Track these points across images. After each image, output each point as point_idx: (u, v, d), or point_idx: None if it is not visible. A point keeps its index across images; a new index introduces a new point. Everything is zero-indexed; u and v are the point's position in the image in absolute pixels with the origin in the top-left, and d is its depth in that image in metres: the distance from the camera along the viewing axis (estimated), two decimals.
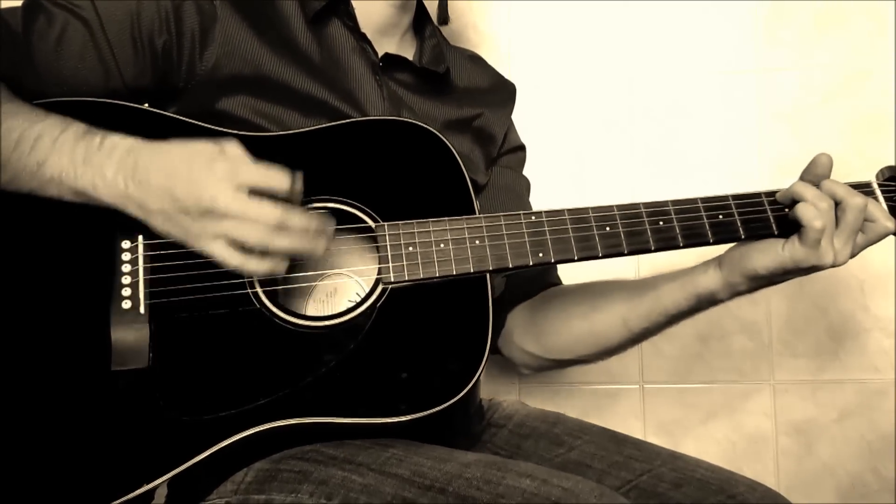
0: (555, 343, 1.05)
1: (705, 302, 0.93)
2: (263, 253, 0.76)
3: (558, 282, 1.13)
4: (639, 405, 1.46)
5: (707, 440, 1.44)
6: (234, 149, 0.77)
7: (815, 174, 0.88)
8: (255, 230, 0.74)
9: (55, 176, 0.77)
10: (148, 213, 0.77)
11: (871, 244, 0.88)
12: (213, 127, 0.89)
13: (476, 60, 1.19)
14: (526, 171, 1.20)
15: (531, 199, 1.19)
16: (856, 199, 0.84)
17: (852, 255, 0.87)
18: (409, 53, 1.08)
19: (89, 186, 0.77)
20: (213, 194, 0.74)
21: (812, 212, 0.83)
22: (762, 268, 0.87)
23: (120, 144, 0.78)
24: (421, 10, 1.10)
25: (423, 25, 1.10)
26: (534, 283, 1.10)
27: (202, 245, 0.76)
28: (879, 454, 1.39)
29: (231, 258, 0.76)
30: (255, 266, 0.76)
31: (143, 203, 0.77)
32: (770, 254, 0.87)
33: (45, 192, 0.79)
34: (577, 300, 1.04)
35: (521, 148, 1.20)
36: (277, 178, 0.75)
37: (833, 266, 0.85)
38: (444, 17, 1.12)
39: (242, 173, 0.75)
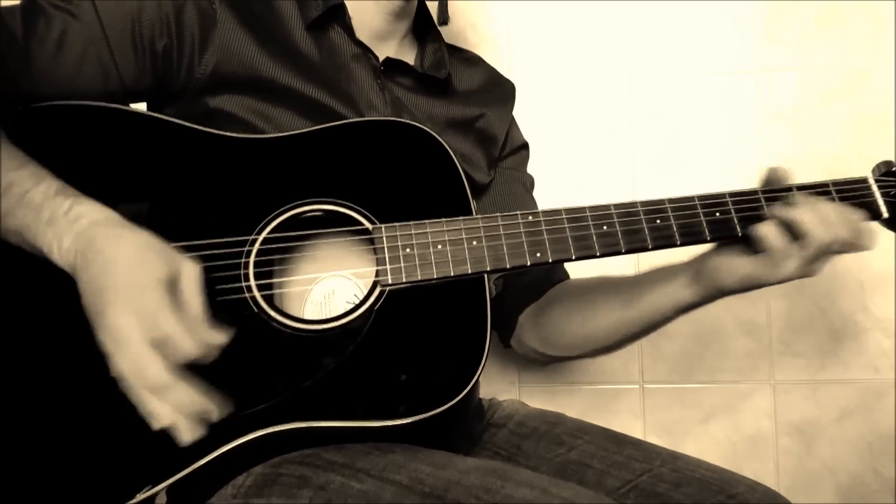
0: (557, 343, 1.08)
1: (691, 310, 0.96)
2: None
3: (565, 277, 1.14)
4: (639, 405, 1.46)
5: (707, 440, 1.44)
6: (188, 279, 0.72)
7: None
8: (135, 384, 0.69)
9: (15, 229, 0.76)
10: (80, 290, 0.74)
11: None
12: (210, 130, 0.88)
13: (474, 61, 1.19)
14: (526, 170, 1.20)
15: (534, 195, 1.19)
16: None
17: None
18: (409, 57, 1.07)
19: (46, 248, 0.75)
20: (120, 326, 0.69)
21: (773, 232, 0.84)
22: (731, 286, 0.89)
23: (86, 216, 0.74)
24: (423, 14, 1.09)
25: (425, 29, 1.10)
26: (541, 284, 1.11)
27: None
28: (879, 454, 1.39)
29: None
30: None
31: (78, 280, 0.73)
32: (735, 273, 0.88)
33: (4, 237, 0.77)
34: (574, 307, 1.05)
35: (524, 146, 1.20)
36: (188, 347, 0.69)
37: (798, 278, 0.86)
38: (444, 18, 1.11)
39: (161, 324, 0.69)
